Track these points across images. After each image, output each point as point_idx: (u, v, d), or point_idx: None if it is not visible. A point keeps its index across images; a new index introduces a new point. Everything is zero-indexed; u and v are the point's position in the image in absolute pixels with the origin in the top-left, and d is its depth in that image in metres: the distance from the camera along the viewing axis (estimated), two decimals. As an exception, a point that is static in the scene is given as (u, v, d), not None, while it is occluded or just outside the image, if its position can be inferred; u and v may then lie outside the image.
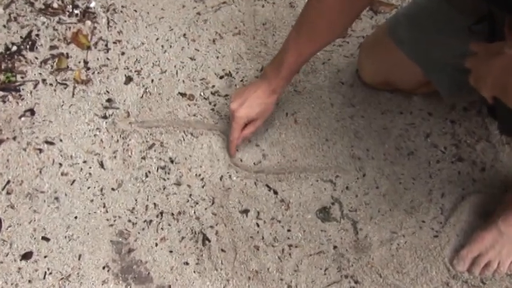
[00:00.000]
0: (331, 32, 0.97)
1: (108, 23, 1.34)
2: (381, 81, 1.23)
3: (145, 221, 1.14)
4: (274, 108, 1.11)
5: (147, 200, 1.16)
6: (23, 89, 1.25)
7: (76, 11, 1.34)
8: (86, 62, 1.29)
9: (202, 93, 1.27)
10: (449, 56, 1.01)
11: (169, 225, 1.14)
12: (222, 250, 1.12)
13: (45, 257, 1.10)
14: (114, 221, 1.14)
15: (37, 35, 1.31)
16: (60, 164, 1.18)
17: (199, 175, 1.19)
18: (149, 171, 1.18)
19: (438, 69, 1.06)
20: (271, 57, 1.25)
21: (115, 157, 1.19)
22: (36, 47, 1.29)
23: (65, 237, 1.12)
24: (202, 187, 1.17)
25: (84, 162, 1.19)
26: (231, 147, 1.16)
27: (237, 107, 1.09)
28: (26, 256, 1.09)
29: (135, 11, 1.36)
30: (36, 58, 1.29)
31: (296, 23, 0.99)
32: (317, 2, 0.93)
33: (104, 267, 1.09)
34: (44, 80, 1.26)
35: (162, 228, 1.13)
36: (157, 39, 1.33)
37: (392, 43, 1.09)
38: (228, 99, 1.26)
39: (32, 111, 1.23)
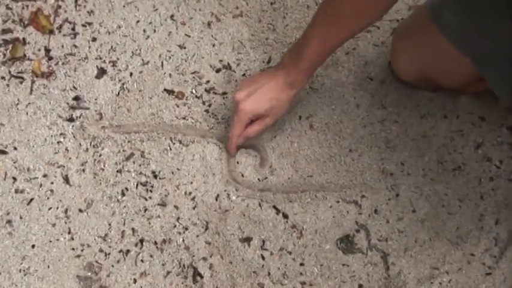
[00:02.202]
0: (363, 16, 0.98)
1: (76, 0, 1.33)
2: (419, 77, 1.22)
3: (121, 251, 1.14)
4: (288, 107, 1.13)
5: (124, 224, 1.16)
6: (-32, 84, 1.24)
7: (36, -15, 1.33)
8: (47, 50, 1.28)
9: (194, 91, 1.26)
10: (510, 47, 1.00)
11: (151, 256, 1.14)
12: (218, 289, 1.12)
13: (-6, 296, 1.09)
14: (82, 250, 1.13)
15: (-14, 16, 1.30)
16: (14, 179, 1.17)
17: (190, 193, 1.19)
18: (126, 189, 1.18)
19: (494, 64, 1.06)
20: (281, 45, 1.29)
21: (83, 170, 1.19)
22: (-15, 31, 1.29)
23: (20, 270, 1.11)
24: (194, 209, 1.18)
25: (45, 176, 1.18)
26: (230, 145, 1.17)
27: (243, 97, 1.11)
28: (-30, 295, 1.08)
29: (110, -15, 1.36)
30: (-15, 44, 1.28)
31: (321, 3, 1.01)
32: None
33: (68, 310, 1.09)
34: (-6, 72, 1.26)
35: (142, 261, 1.13)
36: (137, 21, 1.32)
37: (435, 29, 1.08)
38: (226, 99, 1.26)
39: (-21, 112, 1.21)
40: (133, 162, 1.20)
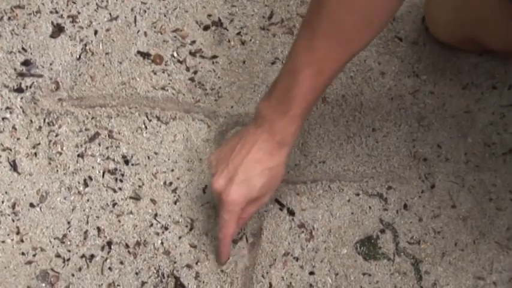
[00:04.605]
0: (371, 24, 0.89)
1: None
2: (461, 37, 1.19)
3: (83, 256, 1.13)
4: (285, 170, 1.03)
5: (87, 222, 1.15)
6: None
7: None
8: (-11, 2, 1.28)
9: (175, 54, 1.25)
10: None
11: (121, 263, 1.13)
12: (206, 304, 1.13)
13: None
14: (34, 255, 1.12)
15: None
16: None
17: (170, 184, 1.17)
18: (90, 177, 1.17)
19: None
20: (287, -3, 1.27)
21: (35, 154, 1.18)
22: None
23: (-44, 281, 1.12)
24: (175, 203, 1.16)
25: (-14, 162, 1.20)
26: (222, 250, 1.09)
27: (225, 184, 1.01)
28: None
29: None
30: None
31: (307, 22, 0.91)
32: None
33: (16, 331, 1.10)
34: None
35: (110, 268, 1.12)
36: (104, -35, 1.32)
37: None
38: (216, 64, 1.24)
39: None
40: (99, 144, 1.19)
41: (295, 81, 0.92)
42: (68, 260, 1.11)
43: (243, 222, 1.06)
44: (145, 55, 1.23)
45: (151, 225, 1.14)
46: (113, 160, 1.18)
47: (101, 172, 1.17)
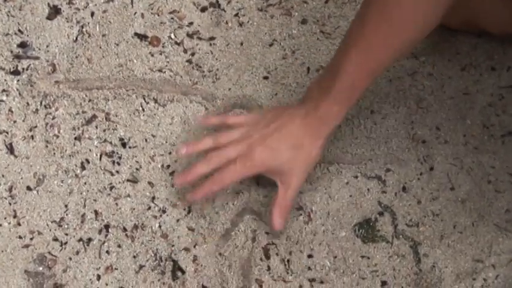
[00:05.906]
0: (421, 17, 0.90)
1: None
2: (461, 19, 1.19)
3: (80, 239, 1.13)
4: (320, 154, 1.04)
5: (84, 206, 1.15)
6: None
7: None
8: (-16, -17, 1.28)
9: (173, 35, 1.24)
10: None
11: (119, 246, 1.13)
12: (204, 287, 1.11)
13: None
14: (31, 239, 1.13)
15: None
16: None
17: (168, 167, 1.17)
18: (87, 160, 1.17)
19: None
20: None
21: (32, 137, 1.17)
22: None
23: (-48, 265, 1.13)
24: (173, 186, 1.17)
25: (-17, 145, 1.20)
26: (202, 189, 1.07)
27: (255, 139, 1.02)
28: None
29: None
30: None
31: (358, 13, 0.94)
32: None
33: (14, 314, 1.11)
34: None
35: (107, 252, 1.13)
36: None
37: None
38: (213, 45, 1.23)
39: None
40: (96, 127, 1.18)
41: (343, 57, 0.95)
42: (66, 243, 1.12)
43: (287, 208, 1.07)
44: (142, 37, 1.23)
45: (149, 208, 1.14)
46: (110, 143, 1.17)
47: (98, 155, 1.16)
